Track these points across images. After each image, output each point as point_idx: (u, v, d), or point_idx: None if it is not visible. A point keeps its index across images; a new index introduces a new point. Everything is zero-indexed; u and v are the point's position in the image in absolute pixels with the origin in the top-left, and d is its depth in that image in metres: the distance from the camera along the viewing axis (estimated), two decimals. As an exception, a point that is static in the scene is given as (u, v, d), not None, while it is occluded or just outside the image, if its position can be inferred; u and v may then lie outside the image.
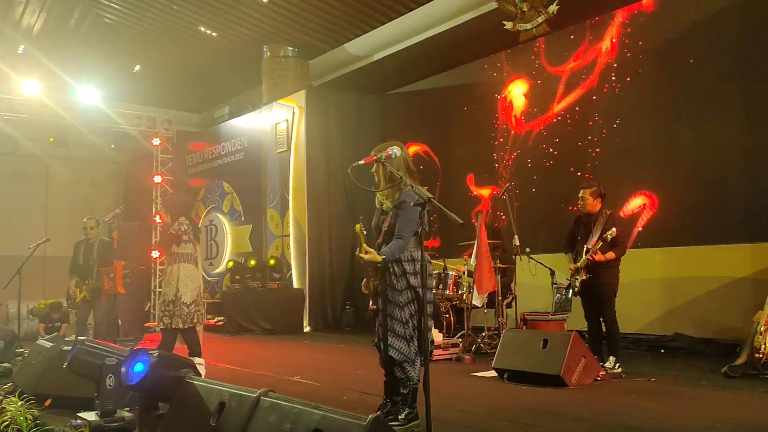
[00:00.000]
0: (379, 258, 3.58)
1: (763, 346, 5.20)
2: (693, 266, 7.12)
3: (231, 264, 11.71)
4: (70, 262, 7.55)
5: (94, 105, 12.05)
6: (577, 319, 6.83)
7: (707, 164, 7.10)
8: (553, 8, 8.10)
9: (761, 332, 5.23)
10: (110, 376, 3.70)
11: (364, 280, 3.82)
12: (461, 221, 3.09)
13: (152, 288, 12.44)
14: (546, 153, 8.84)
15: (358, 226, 3.64)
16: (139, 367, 3.34)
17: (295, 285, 10.78)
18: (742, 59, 6.87)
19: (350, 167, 3.45)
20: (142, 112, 13.23)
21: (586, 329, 6.60)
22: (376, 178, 3.82)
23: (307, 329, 10.43)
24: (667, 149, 7.47)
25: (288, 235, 11.06)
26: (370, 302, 3.74)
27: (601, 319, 5.67)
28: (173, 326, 5.52)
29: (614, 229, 5.49)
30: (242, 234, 12.39)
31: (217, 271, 12.86)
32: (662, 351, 6.97)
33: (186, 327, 5.56)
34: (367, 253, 3.59)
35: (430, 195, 3.25)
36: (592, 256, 5.52)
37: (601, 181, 6.22)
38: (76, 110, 12.05)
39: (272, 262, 11.04)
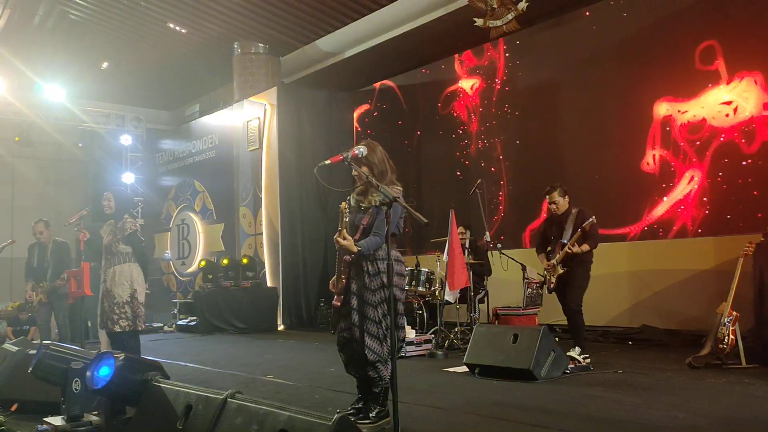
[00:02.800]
0: (355, 248, 3.59)
1: (726, 337, 5.33)
2: (659, 259, 7.27)
3: (203, 263, 11.61)
4: (25, 265, 7.44)
5: (61, 103, 11.87)
6: (548, 313, 6.94)
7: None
8: (523, 5, 8.19)
9: (725, 323, 5.36)
10: (76, 380, 3.66)
11: (332, 279, 3.82)
12: (426, 221, 3.11)
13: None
14: (515, 147, 8.95)
15: (344, 204, 3.63)
16: (104, 371, 3.31)
17: (269, 283, 10.74)
18: None
19: (316, 167, 3.45)
20: (111, 110, 13.05)
21: (557, 323, 6.72)
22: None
23: (281, 327, 10.40)
24: (631, 145, 7.60)
25: (261, 234, 11.00)
26: (335, 298, 3.74)
27: (565, 308, 5.77)
28: (133, 328, 5.45)
29: (592, 218, 5.61)
30: (214, 233, 12.30)
31: (190, 270, 12.74)
32: (630, 343, 7.10)
33: (140, 328, 5.54)
34: (345, 239, 3.59)
35: (395, 195, 3.26)
36: (570, 248, 5.63)
37: (568, 179, 6.32)
38: (42, 108, 11.86)
39: (245, 260, 10.98)
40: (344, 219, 3.61)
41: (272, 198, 10.80)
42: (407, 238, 9.76)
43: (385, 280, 3.63)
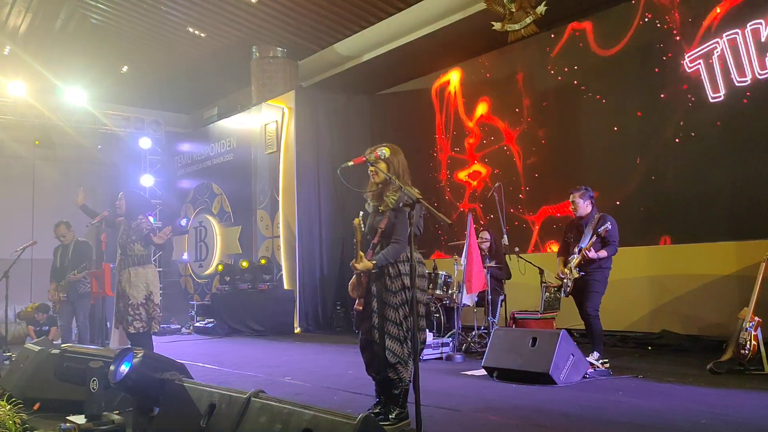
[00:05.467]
0: (371, 264, 3.59)
1: (748, 342, 5.27)
2: (679, 264, 7.20)
3: (221, 267, 11.67)
4: (51, 268, 7.52)
5: (81, 106, 12.01)
6: (566, 318, 6.89)
7: (691, 163, 7.18)
8: (541, 9, 8.16)
9: (746, 328, 5.30)
10: (94, 380, 3.68)
11: (351, 281, 3.82)
12: (450, 221, 3.11)
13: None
14: (531, 152, 8.92)
15: (357, 220, 3.63)
16: (124, 366, 3.35)
17: (286, 286, 10.77)
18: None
19: (339, 168, 3.46)
20: (130, 113, 13.17)
21: (574, 327, 6.67)
22: (371, 179, 3.84)
23: (297, 330, 10.43)
24: (653, 149, 7.54)
25: (278, 236, 11.05)
26: (356, 301, 3.74)
27: (582, 313, 5.74)
28: (146, 330, 5.48)
29: (608, 224, 5.60)
30: (232, 235, 12.37)
31: (207, 272, 12.82)
32: (649, 348, 7.04)
33: (155, 330, 5.57)
34: (360, 262, 3.60)
35: (419, 196, 3.27)
36: (585, 253, 5.61)
37: (591, 183, 6.30)
38: (63, 111, 12.00)
39: (263, 262, 11.02)
40: (359, 237, 3.60)
41: (289, 201, 10.84)
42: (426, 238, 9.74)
43: (405, 281, 3.63)
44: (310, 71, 11.87)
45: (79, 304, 7.30)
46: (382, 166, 3.67)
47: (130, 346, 5.45)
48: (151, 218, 6.08)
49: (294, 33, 11.12)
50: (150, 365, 3.42)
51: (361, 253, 3.60)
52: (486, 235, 7.55)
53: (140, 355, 3.41)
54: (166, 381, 3.34)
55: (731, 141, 6.86)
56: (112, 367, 3.47)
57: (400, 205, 3.57)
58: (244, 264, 11.12)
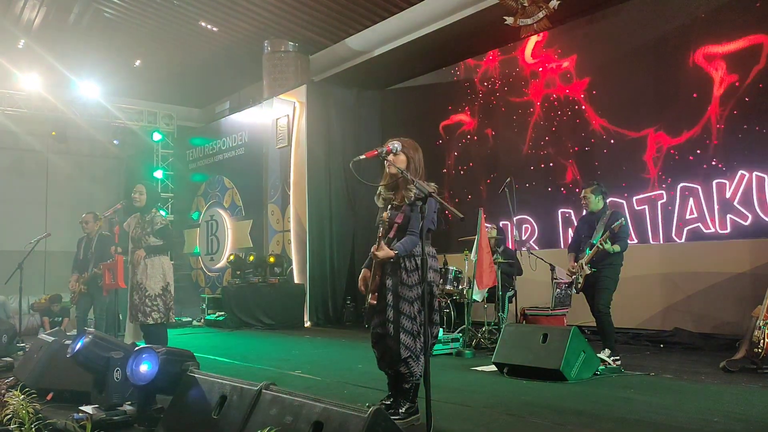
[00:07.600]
0: (393, 253, 3.59)
1: (761, 340, 5.22)
2: (692, 261, 7.15)
3: (233, 257, 11.71)
4: (73, 258, 7.58)
5: (95, 100, 12.10)
6: (577, 314, 6.87)
7: (706, 159, 7.13)
8: (554, 3, 8.11)
9: (760, 327, 5.25)
10: (117, 370, 3.71)
11: (361, 276, 3.80)
12: (462, 216, 3.09)
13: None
14: (544, 145, 8.87)
15: (386, 214, 3.61)
16: (146, 366, 3.36)
17: (296, 280, 10.80)
18: None
19: (351, 162, 3.45)
20: (143, 107, 13.26)
21: (585, 324, 6.65)
22: (387, 170, 3.82)
23: (307, 324, 10.46)
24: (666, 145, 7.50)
25: (289, 230, 11.07)
26: (369, 296, 3.72)
27: (594, 310, 5.73)
28: (164, 320, 5.50)
29: (622, 219, 5.59)
30: (243, 229, 12.40)
31: (218, 266, 12.88)
32: (661, 346, 7.00)
33: (172, 321, 5.60)
34: (381, 250, 3.59)
35: (431, 190, 3.25)
36: (601, 244, 5.61)
37: (602, 179, 6.28)
38: (77, 105, 12.09)
39: (271, 260, 11.04)
40: (385, 230, 3.59)
41: (300, 195, 10.85)
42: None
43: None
44: (322, 66, 11.86)
45: (98, 297, 7.38)
46: (402, 158, 3.66)
47: (142, 341, 5.48)
48: (162, 211, 6.14)
49: (306, 27, 11.11)
50: (172, 361, 3.44)
51: (383, 243, 3.59)
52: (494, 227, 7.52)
53: (163, 352, 3.43)
54: (182, 372, 3.36)
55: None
56: (128, 370, 3.48)
57: (414, 199, 3.55)
58: (252, 257, 11.16)
